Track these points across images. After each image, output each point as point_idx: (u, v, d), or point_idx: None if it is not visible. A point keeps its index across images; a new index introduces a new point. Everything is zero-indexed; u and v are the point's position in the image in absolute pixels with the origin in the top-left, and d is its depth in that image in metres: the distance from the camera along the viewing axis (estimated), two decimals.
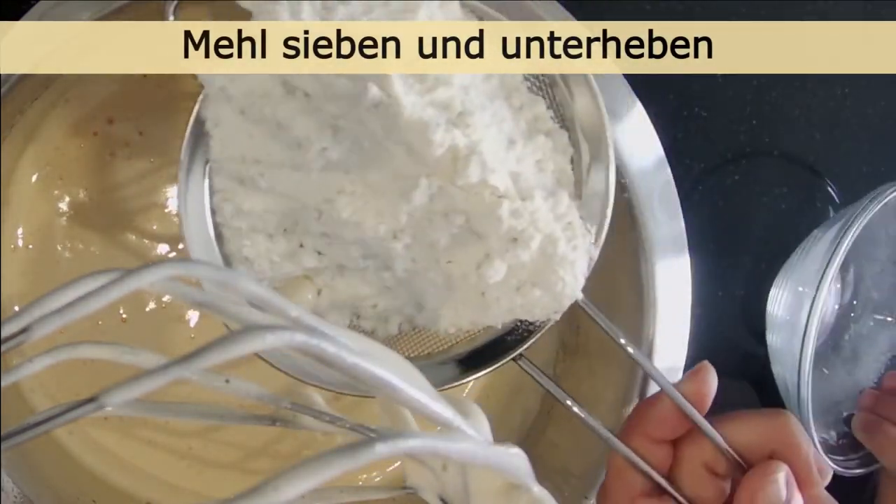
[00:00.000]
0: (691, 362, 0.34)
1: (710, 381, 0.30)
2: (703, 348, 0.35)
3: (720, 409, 0.30)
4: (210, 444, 0.38)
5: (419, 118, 0.24)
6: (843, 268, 0.46)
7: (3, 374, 0.16)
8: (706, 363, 0.31)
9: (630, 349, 0.29)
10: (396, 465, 0.40)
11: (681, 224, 0.34)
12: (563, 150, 0.28)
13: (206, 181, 0.27)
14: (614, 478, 0.31)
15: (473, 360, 0.29)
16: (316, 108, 0.25)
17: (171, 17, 0.26)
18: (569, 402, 0.29)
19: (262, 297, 0.16)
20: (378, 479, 0.40)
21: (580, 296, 0.27)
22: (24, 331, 0.14)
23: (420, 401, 0.17)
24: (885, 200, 0.40)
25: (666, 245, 0.33)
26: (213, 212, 0.27)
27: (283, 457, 0.39)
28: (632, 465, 0.30)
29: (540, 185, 0.26)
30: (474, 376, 0.29)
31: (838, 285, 0.47)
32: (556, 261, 0.26)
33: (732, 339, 0.43)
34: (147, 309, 0.38)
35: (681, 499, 0.30)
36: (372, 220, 0.26)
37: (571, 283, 0.26)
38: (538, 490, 0.20)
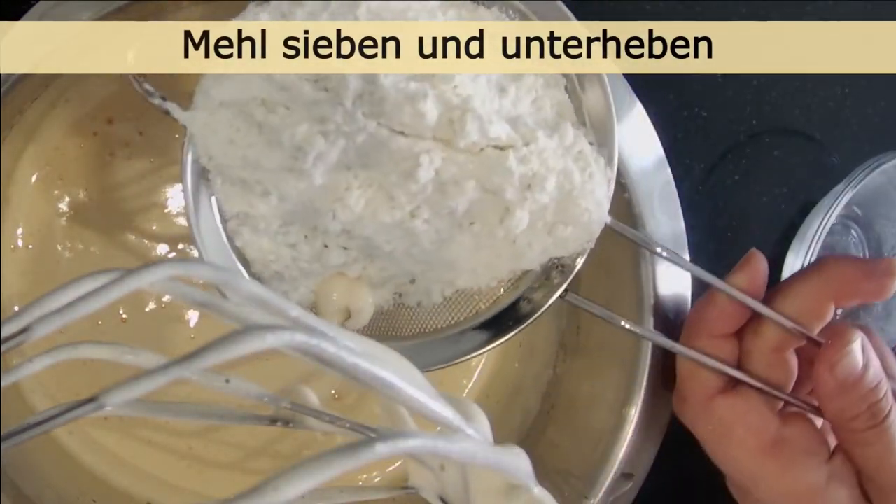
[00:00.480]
0: None
1: (762, 267, 0.30)
2: None
3: None
4: (210, 444, 0.38)
5: (405, 94, 0.24)
6: (867, 230, 0.46)
7: (3, 374, 0.16)
8: (755, 250, 0.30)
9: (664, 253, 0.30)
10: (396, 465, 0.40)
11: (681, 224, 0.34)
12: (556, 82, 0.28)
13: (215, 212, 0.27)
14: (688, 381, 0.31)
15: (521, 308, 0.29)
16: (300, 119, 0.25)
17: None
18: (623, 323, 0.30)
19: (262, 298, 0.16)
20: (378, 479, 0.40)
21: (608, 219, 0.27)
22: (24, 331, 0.14)
23: (420, 401, 0.17)
24: (883, 166, 0.40)
25: (666, 245, 0.33)
26: (231, 239, 0.27)
27: (283, 457, 0.39)
28: (702, 365, 0.29)
29: (541, 124, 0.26)
30: (528, 321, 0.29)
31: (866, 250, 0.47)
32: (575, 193, 0.26)
33: None
34: (147, 309, 0.37)
35: (759, 385, 0.29)
36: (386, 208, 0.26)
37: (596, 209, 0.27)
38: (538, 490, 0.20)
